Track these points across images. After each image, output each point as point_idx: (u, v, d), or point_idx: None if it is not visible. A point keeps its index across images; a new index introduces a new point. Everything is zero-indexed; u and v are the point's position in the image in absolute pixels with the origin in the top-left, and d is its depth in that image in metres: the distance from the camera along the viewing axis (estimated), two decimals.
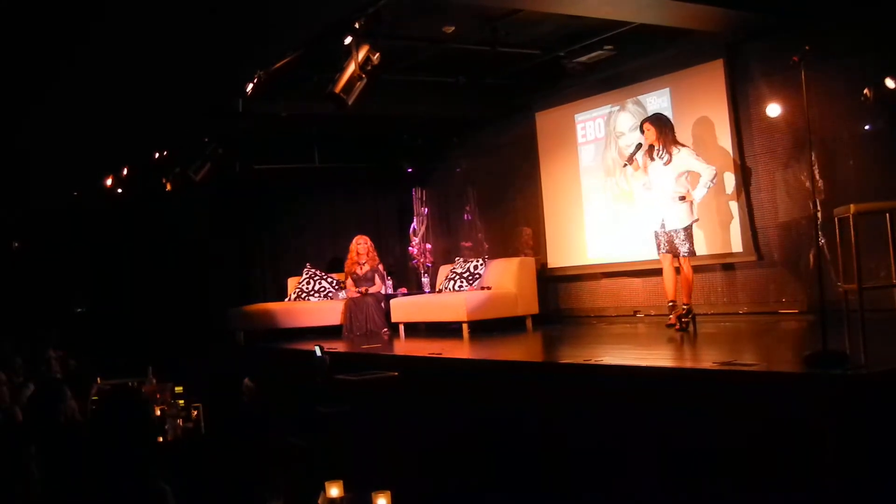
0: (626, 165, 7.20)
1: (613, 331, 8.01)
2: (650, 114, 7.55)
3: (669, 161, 6.84)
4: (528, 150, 9.92)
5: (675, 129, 7.02)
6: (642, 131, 7.00)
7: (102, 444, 3.16)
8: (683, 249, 6.80)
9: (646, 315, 8.54)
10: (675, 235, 6.83)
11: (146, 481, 3.10)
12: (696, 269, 8.09)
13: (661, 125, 6.93)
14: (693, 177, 7.00)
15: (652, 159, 6.94)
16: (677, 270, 6.95)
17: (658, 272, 7.37)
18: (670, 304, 7.01)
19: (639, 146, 6.99)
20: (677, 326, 6.82)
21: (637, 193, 8.35)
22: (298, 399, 6.53)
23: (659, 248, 6.97)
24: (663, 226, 6.90)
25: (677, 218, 6.84)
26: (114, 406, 3.37)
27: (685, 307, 6.88)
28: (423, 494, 4.57)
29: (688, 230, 6.84)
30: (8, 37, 6.31)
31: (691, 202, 6.86)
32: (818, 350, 4.26)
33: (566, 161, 9.46)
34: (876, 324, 4.69)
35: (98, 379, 7.06)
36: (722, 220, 7.84)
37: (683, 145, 6.97)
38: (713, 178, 6.90)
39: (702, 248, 8.00)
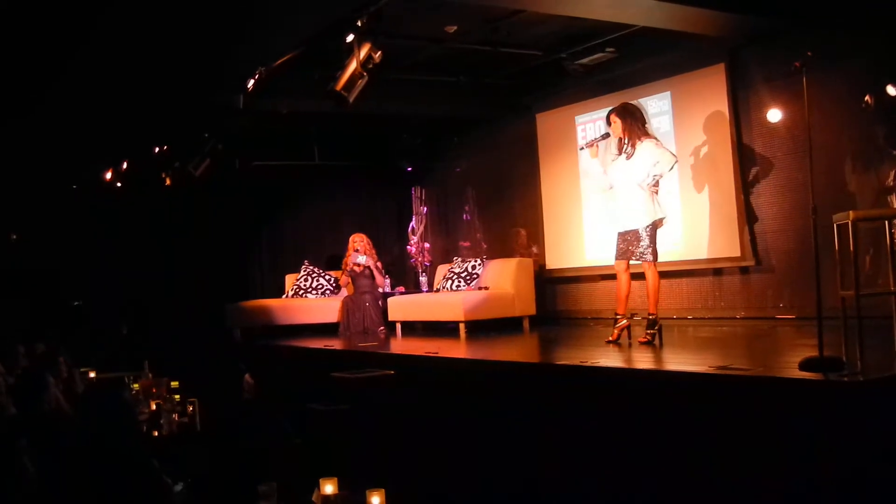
0: (582, 148, 6.60)
1: (610, 333, 7.98)
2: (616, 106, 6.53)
3: (632, 154, 6.22)
4: (528, 150, 9.92)
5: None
6: (609, 123, 6.39)
7: (87, 438, 3.14)
8: (643, 251, 6.16)
9: (643, 318, 8.51)
10: (634, 236, 6.20)
11: (150, 475, 3.10)
12: (695, 274, 8.11)
13: (628, 116, 6.29)
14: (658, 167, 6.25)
15: (619, 154, 6.33)
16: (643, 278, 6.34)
17: None
18: (617, 316, 6.45)
19: (605, 135, 6.44)
20: (644, 339, 6.21)
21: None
22: (294, 396, 6.52)
23: (616, 254, 6.33)
24: (624, 226, 6.27)
25: (637, 216, 6.19)
26: (92, 399, 3.35)
27: (651, 317, 6.28)
28: (418, 493, 4.56)
29: (650, 229, 6.17)
30: (10, 32, 6.30)
31: (654, 196, 6.21)
32: (814, 355, 4.26)
33: (566, 162, 9.46)
34: (873, 330, 4.70)
35: (93, 373, 7.05)
36: (720, 225, 7.84)
37: (650, 137, 6.31)
38: (670, 168, 6.26)
39: (700, 252, 8.01)
